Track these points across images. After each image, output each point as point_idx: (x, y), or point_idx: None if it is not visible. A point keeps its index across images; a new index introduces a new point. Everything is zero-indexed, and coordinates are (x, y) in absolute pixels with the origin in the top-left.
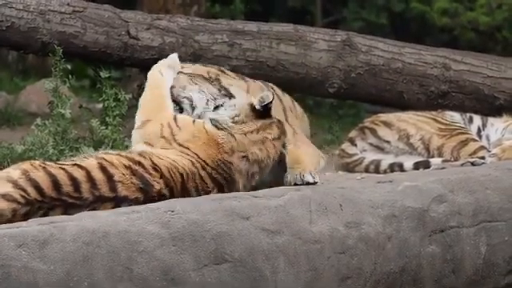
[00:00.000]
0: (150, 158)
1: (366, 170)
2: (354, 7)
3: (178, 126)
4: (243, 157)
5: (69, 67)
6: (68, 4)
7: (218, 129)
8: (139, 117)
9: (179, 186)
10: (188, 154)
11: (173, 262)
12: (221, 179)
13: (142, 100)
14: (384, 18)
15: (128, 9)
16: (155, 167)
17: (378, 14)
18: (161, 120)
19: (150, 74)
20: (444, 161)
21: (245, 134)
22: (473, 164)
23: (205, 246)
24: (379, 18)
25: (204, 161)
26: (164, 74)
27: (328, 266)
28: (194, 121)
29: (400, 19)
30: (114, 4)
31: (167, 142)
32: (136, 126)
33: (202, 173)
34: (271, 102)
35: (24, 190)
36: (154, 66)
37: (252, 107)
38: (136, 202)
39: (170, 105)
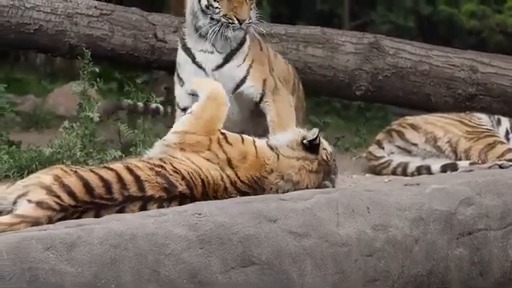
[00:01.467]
0: (171, 163)
1: (394, 173)
2: (382, 10)
3: (228, 142)
4: (279, 175)
5: (96, 70)
6: (95, 7)
7: (271, 149)
8: (183, 124)
9: (200, 190)
10: (223, 171)
11: (200, 265)
12: (251, 192)
13: (196, 109)
14: (412, 20)
15: (155, 12)
16: (175, 170)
17: (406, 16)
18: (209, 134)
19: (213, 87)
20: (471, 163)
21: (287, 158)
22: (500, 167)
23: (232, 249)
24: (407, 20)
25: (239, 178)
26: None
27: (355, 269)
28: (243, 139)
29: (428, 22)
30: (141, 7)
31: (213, 154)
32: (174, 129)
33: (229, 186)
34: (315, 140)
35: (58, 197)
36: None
37: (302, 140)
38: (160, 200)
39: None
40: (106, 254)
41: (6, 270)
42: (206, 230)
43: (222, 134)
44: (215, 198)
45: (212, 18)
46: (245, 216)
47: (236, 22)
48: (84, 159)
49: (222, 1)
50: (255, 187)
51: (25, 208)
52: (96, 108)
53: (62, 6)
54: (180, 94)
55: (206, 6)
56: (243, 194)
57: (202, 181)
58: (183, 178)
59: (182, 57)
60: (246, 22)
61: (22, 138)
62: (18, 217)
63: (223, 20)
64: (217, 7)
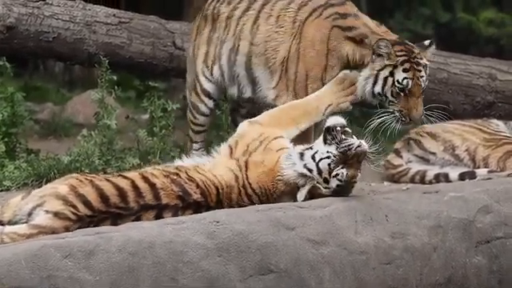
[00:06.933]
0: (186, 172)
1: (412, 181)
2: (400, 18)
3: (266, 146)
4: (289, 195)
5: (115, 78)
6: (114, 15)
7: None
8: (264, 115)
9: (214, 198)
10: (240, 172)
11: (218, 273)
12: (256, 201)
13: (283, 106)
14: (430, 28)
15: (174, 20)
16: (190, 179)
17: (424, 24)
18: (265, 131)
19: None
20: (490, 171)
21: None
22: None
23: (250, 257)
24: (425, 28)
25: (250, 183)
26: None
27: (373, 277)
28: (280, 149)
29: (446, 30)
30: (159, 15)
31: (244, 152)
32: (252, 119)
33: (242, 189)
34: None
35: (74, 207)
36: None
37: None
38: (175, 208)
39: (291, 130)
40: (124, 262)
41: (26, 278)
42: (224, 237)
43: (276, 137)
44: (228, 204)
45: (380, 105)
46: (263, 224)
47: (408, 119)
48: (102, 167)
49: (400, 97)
50: (262, 197)
51: (42, 218)
52: (114, 116)
53: (80, 14)
54: None
55: (378, 93)
56: (252, 203)
57: (216, 188)
58: (197, 186)
59: None
60: (417, 122)
61: (41, 146)
62: (36, 227)
63: (397, 114)
64: (391, 101)
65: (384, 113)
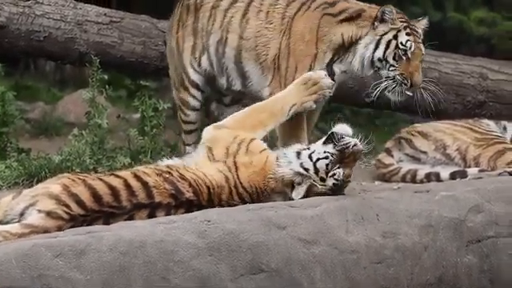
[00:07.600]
0: (177, 170)
1: (403, 180)
2: None
3: (247, 149)
4: (280, 193)
5: (106, 77)
6: (105, 14)
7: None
8: (229, 119)
9: (206, 197)
10: (230, 172)
11: (209, 272)
12: (248, 200)
13: (247, 109)
14: None
15: (165, 19)
16: (182, 177)
17: None
18: (238, 134)
19: (275, 99)
20: (481, 170)
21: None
22: (510, 174)
23: (241, 256)
24: None
25: (241, 183)
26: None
27: (364, 276)
28: (263, 150)
29: (437, 28)
30: (151, 14)
31: (226, 155)
32: (218, 123)
33: (233, 189)
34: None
35: (67, 206)
36: (283, 97)
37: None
38: (168, 207)
39: (259, 132)
40: (115, 262)
41: (17, 277)
42: (215, 237)
43: (251, 140)
44: (219, 203)
45: (377, 71)
46: (254, 223)
47: (409, 84)
48: (93, 166)
49: (401, 61)
50: (254, 196)
51: (34, 218)
52: (105, 115)
53: (71, 13)
54: None
55: (378, 58)
56: (244, 202)
57: (208, 188)
58: (190, 184)
59: None
60: (417, 87)
61: (32, 145)
62: (28, 227)
63: (398, 78)
64: (392, 65)
65: (385, 80)
